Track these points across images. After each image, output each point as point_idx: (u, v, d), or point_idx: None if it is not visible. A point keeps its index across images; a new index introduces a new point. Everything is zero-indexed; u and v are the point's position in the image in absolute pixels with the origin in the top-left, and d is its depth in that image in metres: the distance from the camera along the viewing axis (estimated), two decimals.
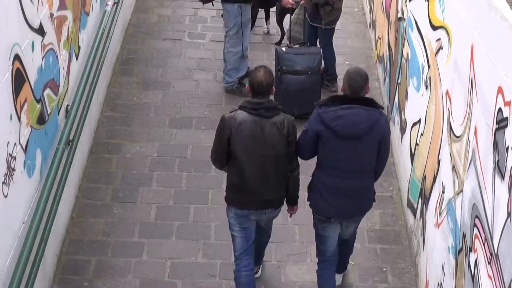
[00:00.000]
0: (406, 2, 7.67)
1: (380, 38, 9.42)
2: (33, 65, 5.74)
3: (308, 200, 6.13)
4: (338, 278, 6.66)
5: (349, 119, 5.70)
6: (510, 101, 4.40)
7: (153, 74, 9.37)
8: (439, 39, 6.24)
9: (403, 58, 7.73)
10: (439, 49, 6.23)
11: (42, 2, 5.94)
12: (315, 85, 8.51)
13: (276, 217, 6.26)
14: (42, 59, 5.99)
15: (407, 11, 7.61)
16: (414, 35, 7.22)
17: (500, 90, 4.58)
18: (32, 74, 5.70)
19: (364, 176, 5.96)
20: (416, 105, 7.03)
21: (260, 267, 6.77)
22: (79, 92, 6.97)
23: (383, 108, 5.94)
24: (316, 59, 8.47)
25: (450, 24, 5.93)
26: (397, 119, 7.91)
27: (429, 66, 6.57)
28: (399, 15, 8.05)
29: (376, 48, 9.74)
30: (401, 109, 7.72)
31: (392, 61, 8.41)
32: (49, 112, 6.24)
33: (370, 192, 6.08)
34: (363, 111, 5.74)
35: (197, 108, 8.79)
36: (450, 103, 5.78)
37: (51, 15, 6.25)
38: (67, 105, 6.85)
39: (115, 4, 8.65)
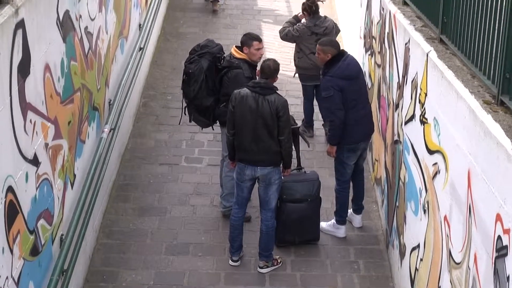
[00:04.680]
0: (402, 125, 7.71)
1: (377, 160, 9.44)
2: (26, 196, 5.71)
3: (338, 149, 8.36)
4: (359, 220, 8.88)
5: (352, 63, 8.34)
6: (509, 229, 4.35)
7: (149, 199, 9.33)
8: (435, 164, 6.22)
9: (400, 181, 7.71)
10: (436, 174, 6.20)
11: (37, 132, 5.96)
12: (315, 212, 8.50)
13: (269, 184, 7.85)
14: (36, 189, 5.97)
15: (403, 134, 7.64)
16: (410, 159, 7.21)
17: (498, 218, 4.54)
18: (25, 206, 5.66)
19: (367, 103, 8.57)
20: (415, 229, 6.96)
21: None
22: (74, 221, 6.91)
23: None
24: (315, 185, 8.47)
25: (446, 149, 5.93)
26: (396, 243, 7.82)
27: (426, 190, 6.53)
28: (395, 138, 8.09)
29: (373, 170, 9.74)
30: (400, 233, 7.64)
31: (389, 184, 8.40)
32: (42, 243, 6.17)
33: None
34: (351, 55, 8.47)
35: (194, 234, 8.71)
36: (449, 229, 5.72)
37: (46, 145, 6.26)
38: (62, 235, 6.79)
39: (112, 131, 8.70)
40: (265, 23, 14.15)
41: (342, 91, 8.11)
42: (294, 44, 10.61)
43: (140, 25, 11.49)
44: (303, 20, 10.56)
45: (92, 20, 8.14)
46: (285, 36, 10.53)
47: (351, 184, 8.74)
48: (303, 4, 10.51)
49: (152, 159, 10.22)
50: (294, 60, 10.65)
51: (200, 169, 10.05)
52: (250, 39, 8.58)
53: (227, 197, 8.87)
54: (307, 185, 8.43)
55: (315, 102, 10.74)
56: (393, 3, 8.47)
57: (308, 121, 10.90)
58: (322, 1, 10.64)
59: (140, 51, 10.90)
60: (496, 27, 5.25)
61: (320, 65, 8.51)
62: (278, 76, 7.97)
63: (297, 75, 10.74)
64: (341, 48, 8.48)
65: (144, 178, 9.78)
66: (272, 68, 7.82)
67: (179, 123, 9.36)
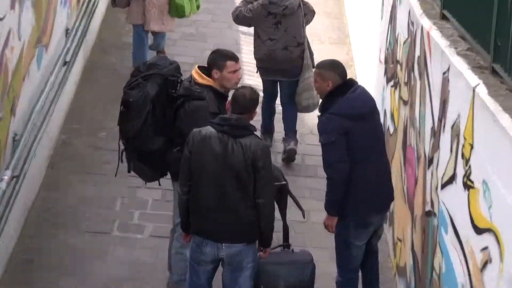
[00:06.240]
0: (437, 189, 7.73)
1: (400, 240, 9.50)
2: None
3: (340, 221, 8.25)
4: None
5: (362, 96, 8.35)
6: None
7: (61, 286, 9.20)
8: (486, 248, 6.15)
9: (434, 272, 7.70)
10: (486, 263, 6.14)
11: None
12: None
13: (239, 269, 7.72)
14: None
15: (438, 202, 7.65)
16: (449, 239, 7.21)
17: None
18: None
19: (384, 154, 8.53)
20: None
21: None
22: None
23: None
24: (307, 270, 8.39)
25: (501, 227, 5.86)
26: None
27: (472, 287, 6.45)
28: (427, 208, 8.11)
29: (394, 255, 9.80)
30: None
31: (418, 275, 8.42)
32: None
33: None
34: (362, 86, 8.46)
35: None
36: None
37: None
38: None
39: (14, 179, 8.68)
40: (245, 36, 14.16)
41: (347, 135, 8.04)
42: None
43: (67, 30, 11.71)
44: None
45: (0, 20, 8.12)
46: (236, 18, 11.76)
47: (360, 273, 8.63)
48: None
49: (70, 224, 10.19)
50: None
51: (141, 242, 10.05)
52: (222, 58, 8.59)
53: (177, 285, 8.74)
54: (295, 270, 8.36)
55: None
56: (427, 16, 8.59)
57: (266, 126, 11.78)
58: None
59: (65, 67, 11.08)
60: None
61: (320, 97, 8.52)
62: (257, 110, 7.87)
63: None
64: (348, 77, 8.47)
65: (56, 253, 9.70)
66: (248, 99, 7.80)
67: (115, 175, 9.22)
